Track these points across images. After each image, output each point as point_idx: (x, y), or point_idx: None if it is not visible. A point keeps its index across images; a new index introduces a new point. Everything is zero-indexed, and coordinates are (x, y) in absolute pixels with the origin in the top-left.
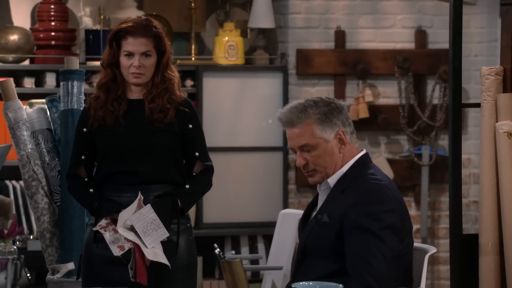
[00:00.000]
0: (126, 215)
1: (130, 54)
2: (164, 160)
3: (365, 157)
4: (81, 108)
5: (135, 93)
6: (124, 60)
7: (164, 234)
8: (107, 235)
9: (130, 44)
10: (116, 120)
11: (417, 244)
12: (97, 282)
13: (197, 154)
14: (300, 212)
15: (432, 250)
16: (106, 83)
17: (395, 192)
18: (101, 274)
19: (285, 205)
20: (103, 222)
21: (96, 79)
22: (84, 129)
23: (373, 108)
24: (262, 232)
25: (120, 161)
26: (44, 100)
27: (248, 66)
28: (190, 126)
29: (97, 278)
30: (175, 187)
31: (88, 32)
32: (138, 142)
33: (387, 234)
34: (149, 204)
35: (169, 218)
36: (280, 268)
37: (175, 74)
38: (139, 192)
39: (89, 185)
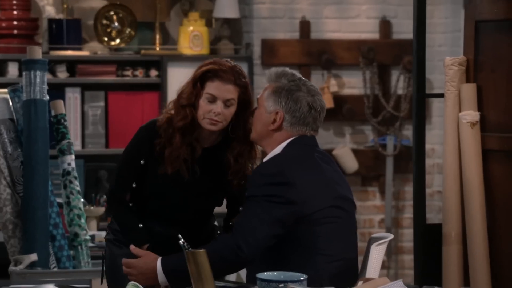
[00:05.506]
0: None
1: (213, 99)
2: (210, 213)
3: (301, 139)
4: (44, 99)
5: (206, 141)
6: (204, 103)
7: None
8: None
9: (217, 88)
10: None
11: (377, 234)
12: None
13: (241, 208)
14: None
15: (389, 237)
16: (183, 126)
17: (305, 168)
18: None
19: None
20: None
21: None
22: (142, 162)
23: (337, 99)
24: None
25: (168, 201)
26: (6, 90)
27: (213, 56)
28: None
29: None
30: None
31: (51, 21)
32: (196, 194)
33: (268, 201)
34: None
35: None
36: None
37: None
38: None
39: (132, 212)
